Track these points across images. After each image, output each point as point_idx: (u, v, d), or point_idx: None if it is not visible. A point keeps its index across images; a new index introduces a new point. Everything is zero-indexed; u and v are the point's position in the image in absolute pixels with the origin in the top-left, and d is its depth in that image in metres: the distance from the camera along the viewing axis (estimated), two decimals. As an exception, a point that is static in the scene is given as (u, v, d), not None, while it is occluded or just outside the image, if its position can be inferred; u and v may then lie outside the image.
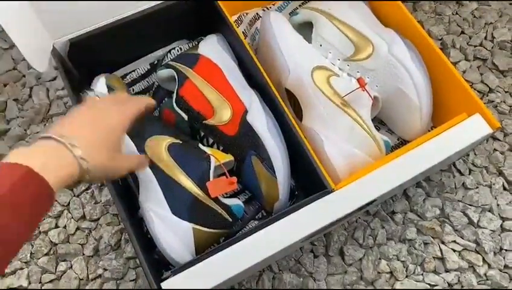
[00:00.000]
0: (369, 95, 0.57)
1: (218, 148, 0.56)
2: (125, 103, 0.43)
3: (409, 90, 0.58)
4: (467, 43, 0.74)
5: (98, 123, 0.39)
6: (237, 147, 0.54)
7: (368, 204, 0.52)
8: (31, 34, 0.53)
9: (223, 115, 0.55)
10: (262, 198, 0.54)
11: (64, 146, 0.34)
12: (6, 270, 0.57)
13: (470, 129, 0.53)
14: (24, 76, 0.69)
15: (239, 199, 0.58)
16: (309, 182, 0.53)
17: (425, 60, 0.59)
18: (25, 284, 0.57)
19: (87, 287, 0.57)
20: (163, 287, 0.45)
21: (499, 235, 0.62)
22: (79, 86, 0.61)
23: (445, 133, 0.53)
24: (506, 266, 0.61)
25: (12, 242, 0.30)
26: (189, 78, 0.57)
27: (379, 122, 0.65)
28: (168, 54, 0.64)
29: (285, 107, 0.55)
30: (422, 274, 0.60)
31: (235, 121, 0.54)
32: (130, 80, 0.63)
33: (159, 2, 0.58)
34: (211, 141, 0.56)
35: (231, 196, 0.58)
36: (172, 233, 0.49)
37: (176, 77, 0.57)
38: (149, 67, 0.65)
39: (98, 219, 0.61)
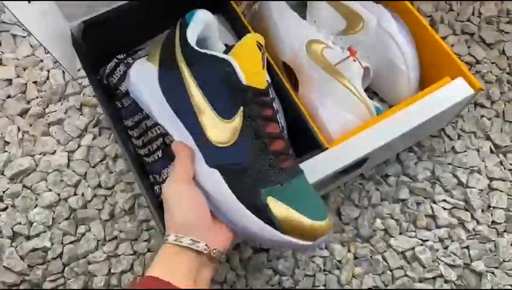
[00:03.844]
0: (360, 64, 0.62)
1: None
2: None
3: (397, 60, 0.63)
4: (455, 19, 0.78)
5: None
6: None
7: (360, 162, 0.56)
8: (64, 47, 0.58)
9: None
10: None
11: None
12: (31, 233, 0.62)
13: (453, 91, 0.58)
14: (42, 60, 0.74)
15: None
16: (305, 144, 0.58)
17: (412, 31, 0.64)
18: (48, 245, 0.62)
19: (104, 248, 0.62)
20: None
21: (487, 194, 0.66)
22: (93, 67, 0.66)
23: (430, 95, 0.57)
24: (493, 222, 0.65)
25: None
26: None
27: (372, 93, 0.70)
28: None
29: (282, 78, 0.60)
30: (414, 231, 0.64)
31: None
32: (138, 58, 0.68)
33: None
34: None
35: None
36: None
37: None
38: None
39: (113, 186, 0.66)
